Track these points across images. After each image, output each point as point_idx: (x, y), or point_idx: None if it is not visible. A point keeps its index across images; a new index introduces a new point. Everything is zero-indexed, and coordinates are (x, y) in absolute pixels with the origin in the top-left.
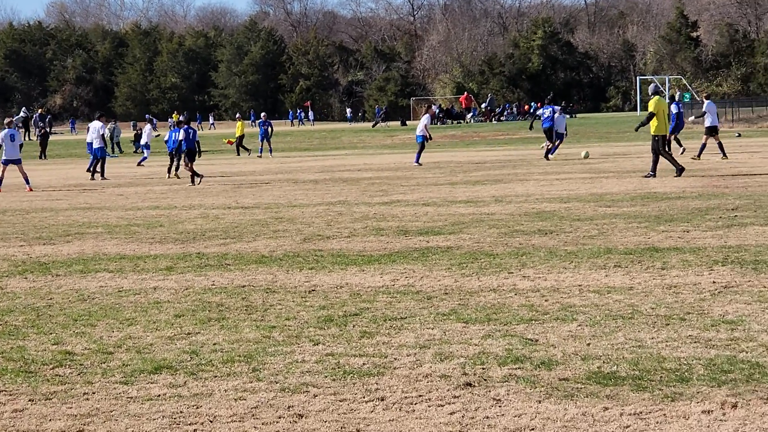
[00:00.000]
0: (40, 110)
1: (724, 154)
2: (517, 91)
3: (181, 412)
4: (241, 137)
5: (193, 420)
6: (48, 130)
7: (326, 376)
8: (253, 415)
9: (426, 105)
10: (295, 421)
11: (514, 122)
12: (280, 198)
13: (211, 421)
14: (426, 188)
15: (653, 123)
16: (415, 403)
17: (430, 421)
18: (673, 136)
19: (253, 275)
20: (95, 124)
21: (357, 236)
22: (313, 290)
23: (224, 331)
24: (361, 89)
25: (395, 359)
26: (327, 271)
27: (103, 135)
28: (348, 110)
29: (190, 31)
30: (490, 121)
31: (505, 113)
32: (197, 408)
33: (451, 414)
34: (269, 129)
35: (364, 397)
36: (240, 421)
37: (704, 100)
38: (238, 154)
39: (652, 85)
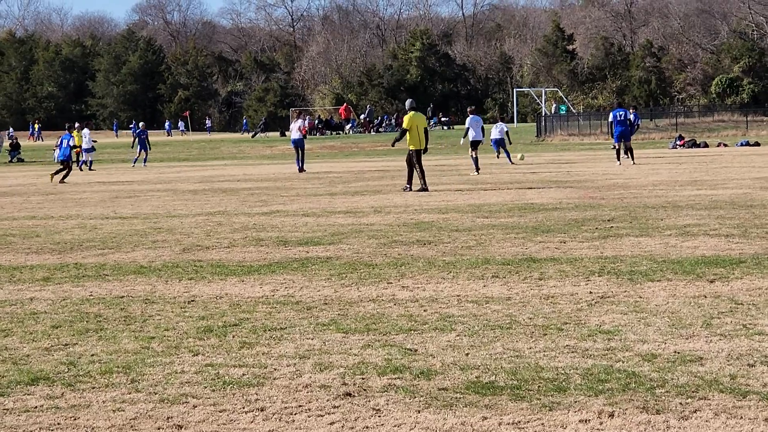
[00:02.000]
0: None
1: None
2: (395, 102)
3: (58, 423)
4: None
5: (70, 431)
6: None
7: (206, 387)
8: (132, 427)
9: (296, 112)
10: None
11: (392, 133)
12: (158, 208)
13: None
14: (305, 198)
15: (408, 138)
16: (295, 414)
17: (309, 431)
18: (620, 145)
19: (131, 286)
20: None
21: (236, 246)
22: (192, 301)
23: (102, 342)
24: (241, 100)
25: (275, 369)
26: (206, 281)
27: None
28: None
29: (66, 40)
30: (369, 132)
31: (383, 124)
32: (75, 420)
33: (331, 424)
34: (146, 139)
35: (243, 408)
36: None
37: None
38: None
39: (408, 101)
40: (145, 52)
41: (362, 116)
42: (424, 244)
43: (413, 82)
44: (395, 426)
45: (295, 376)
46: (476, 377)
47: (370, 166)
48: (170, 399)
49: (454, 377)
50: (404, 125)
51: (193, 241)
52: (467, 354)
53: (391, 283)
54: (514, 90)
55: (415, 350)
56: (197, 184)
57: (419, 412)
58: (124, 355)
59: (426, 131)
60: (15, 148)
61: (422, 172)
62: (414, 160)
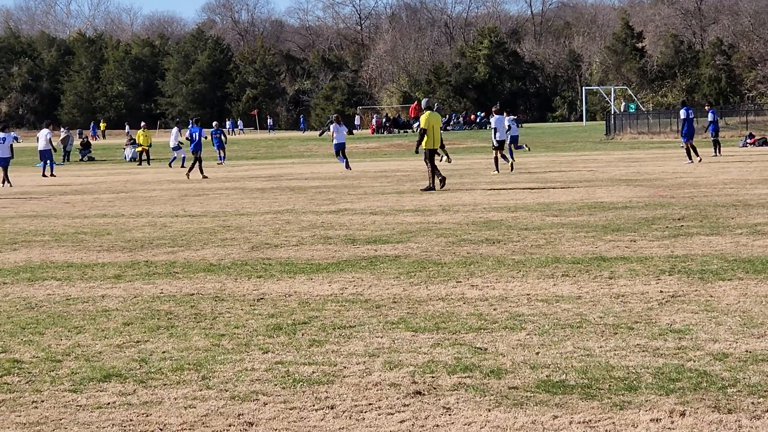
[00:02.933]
0: None
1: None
2: (463, 100)
3: (131, 420)
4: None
5: (143, 428)
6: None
7: (276, 384)
8: (203, 423)
9: (335, 115)
10: (246, 429)
11: (460, 131)
12: (227, 206)
13: (161, 429)
14: (373, 197)
15: (426, 137)
16: (365, 411)
17: (379, 429)
18: (689, 144)
19: (201, 283)
20: (43, 132)
21: (305, 245)
22: (261, 298)
23: (173, 339)
24: (308, 98)
25: (345, 367)
26: (275, 279)
27: (50, 139)
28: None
29: (136, 40)
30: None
31: (451, 123)
32: (147, 416)
33: (401, 422)
34: (222, 137)
35: (314, 405)
36: (190, 429)
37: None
38: (140, 163)
39: (425, 100)
40: (214, 51)
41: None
42: (493, 242)
43: (481, 80)
44: (465, 425)
45: (364, 374)
46: (547, 376)
47: (437, 165)
48: (241, 396)
49: (524, 376)
50: (422, 125)
51: (262, 239)
52: (537, 353)
53: (461, 281)
54: (583, 88)
55: (485, 349)
56: (265, 182)
57: (489, 410)
58: (195, 353)
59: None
60: (86, 146)
61: (432, 171)
62: (427, 158)
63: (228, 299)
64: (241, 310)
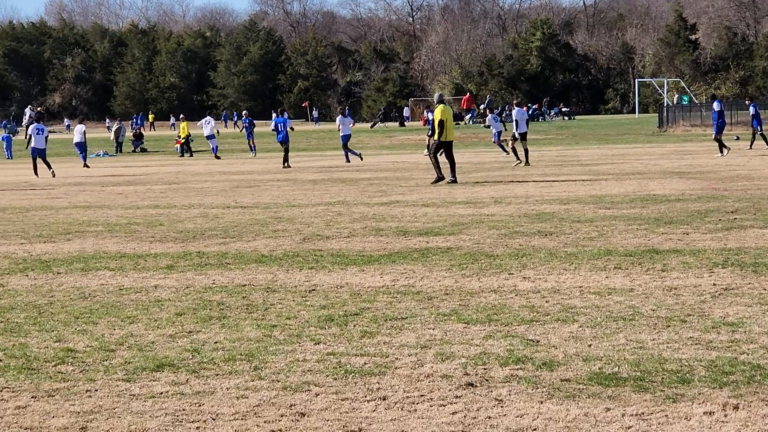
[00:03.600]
0: (38, 109)
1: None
2: (515, 92)
3: (183, 409)
4: (187, 137)
5: (195, 417)
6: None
7: (328, 375)
8: (255, 414)
9: (340, 107)
10: (298, 420)
11: (512, 123)
12: (278, 198)
13: (213, 419)
14: (425, 189)
15: (442, 129)
16: (417, 403)
17: (432, 421)
18: (716, 137)
19: (253, 274)
20: (79, 127)
21: (356, 236)
22: (313, 290)
23: (225, 330)
24: (360, 90)
25: (396, 359)
26: (327, 270)
27: (84, 132)
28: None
29: (188, 31)
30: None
31: (503, 114)
32: (199, 406)
33: (453, 414)
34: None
35: (365, 397)
36: (242, 419)
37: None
38: (182, 155)
39: (437, 95)
40: (266, 42)
41: (482, 106)
42: (546, 234)
43: (534, 72)
44: (517, 416)
45: (416, 366)
46: (599, 368)
47: (490, 157)
48: (293, 387)
49: (576, 368)
50: (439, 117)
51: (313, 230)
52: (590, 345)
53: (513, 273)
54: (636, 80)
55: (538, 341)
56: (316, 174)
57: (542, 402)
58: (247, 343)
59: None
60: (138, 137)
61: (437, 163)
62: (444, 152)
63: (279, 290)
64: (293, 301)
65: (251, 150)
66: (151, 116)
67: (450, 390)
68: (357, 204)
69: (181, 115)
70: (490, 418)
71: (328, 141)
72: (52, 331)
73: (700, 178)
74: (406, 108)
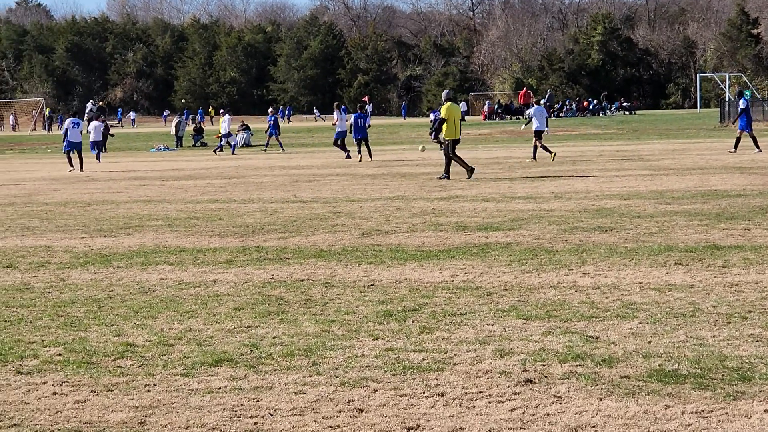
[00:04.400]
0: (100, 103)
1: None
2: (576, 87)
3: (241, 404)
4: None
5: (253, 413)
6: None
7: (386, 371)
8: (313, 409)
9: (336, 102)
10: (356, 416)
11: (573, 118)
12: (337, 192)
13: (271, 414)
14: (485, 184)
15: (445, 128)
16: (476, 399)
17: (490, 417)
18: (742, 133)
19: (311, 269)
20: (94, 124)
21: (416, 231)
22: (371, 285)
23: (284, 325)
24: (420, 84)
25: (455, 355)
26: (386, 266)
27: (103, 131)
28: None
29: (249, 26)
30: (549, 116)
31: (564, 109)
32: (258, 401)
33: (511, 410)
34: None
35: (424, 393)
36: (300, 414)
37: (534, 104)
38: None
39: (445, 92)
40: (326, 37)
41: (542, 101)
42: (606, 230)
43: (594, 67)
44: (576, 413)
45: (475, 362)
46: (659, 365)
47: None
48: (351, 382)
49: (636, 365)
50: (443, 114)
51: (372, 225)
52: (649, 342)
53: (572, 269)
54: (697, 75)
55: (597, 337)
56: (375, 168)
57: (601, 399)
58: (305, 338)
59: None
60: (198, 132)
61: (448, 161)
62: (449, 150)
63: (338, 285)
64: (352, 296)
65: (280, 146)
66: (211, 110)
67: (509, 386)
68: (416, 199)
69: (222, 110)
70: (548, 415)
71: (387, 135)
72: (112, 325)
73: (762, 173)
74: (463, 103)
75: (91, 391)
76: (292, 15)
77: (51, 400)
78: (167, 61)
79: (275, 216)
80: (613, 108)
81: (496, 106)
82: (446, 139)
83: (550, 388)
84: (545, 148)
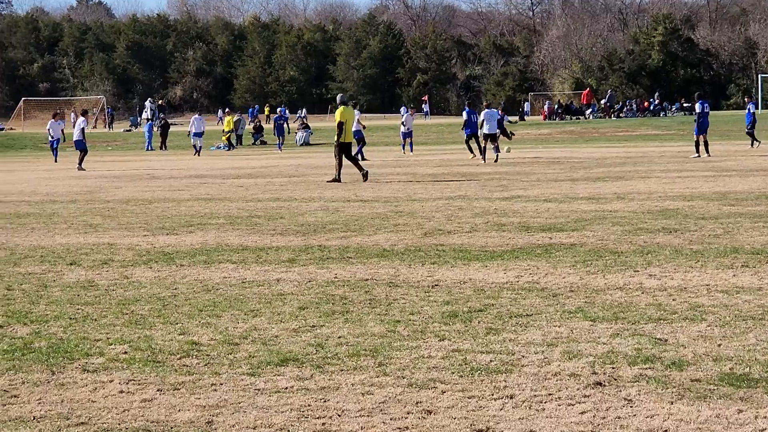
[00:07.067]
0: (160, 101)
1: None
2: (636, 87)
3: (308, 405)
4: (231, 131)
5: (320, 414)
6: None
7: (453, 372)
8: (381, 410)
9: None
10: (424, 417)
11: (633, 119)
12: (398, 192)
13: (339, 415)
14: (546, 184)
15: (344, 130)
16: (545, 402)
17: (560, 420)
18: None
19: (375, 269)
20: (80, 121)
21: (478, 231)
22: (436, 285)
23: (349, 325)
24: (479, 84)
25: (523, 356)
26: (449, 266)
27: (83, 129)
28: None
29: (308, 25)
30: (610, 117)
31: (624, 109)
32: (325, 401)
33: (581, 413)
34: (284, 124)
35: (492, 395)
36: (368, 415)
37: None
38: (229, 149)
39: (339, 95)
40: (385, 36)
41: (603, 101)
42: (670, 231)
43: (654, 67)
44: (647, 417)
45: (543, 364)
46: (730, 369)
47: (611, 152)
48: (418, 384)
49: (706, 368)
50: (338, 119)
51: (435, 225)
52: (719, 345)
53: (638, 271)
54: (759, 76)
55: (666, 340)
56: (436, 168)
57: (672, 403)
58: (371, 338)
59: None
60: (258, 130)
61: (340, 165)
62: (338, 152)
63: (402, 285)
64: (416, 296)
65: (278, 146)
66: (266, 109)
67: (578, 389)
68: (478, 199)
69: (227, 109)
70: (619, 418)
71: (447, 134)
72: (177, 323)
73: None
74: (526, 103)
75: (158, 390)
76: (352, 14)
77: (118, 398)
78: (227, 59)
79: (337, 215)
80: (673, 108)
81: (555, 106)
82: (342, 141)
83: (620, 391)
84: (483, 151)
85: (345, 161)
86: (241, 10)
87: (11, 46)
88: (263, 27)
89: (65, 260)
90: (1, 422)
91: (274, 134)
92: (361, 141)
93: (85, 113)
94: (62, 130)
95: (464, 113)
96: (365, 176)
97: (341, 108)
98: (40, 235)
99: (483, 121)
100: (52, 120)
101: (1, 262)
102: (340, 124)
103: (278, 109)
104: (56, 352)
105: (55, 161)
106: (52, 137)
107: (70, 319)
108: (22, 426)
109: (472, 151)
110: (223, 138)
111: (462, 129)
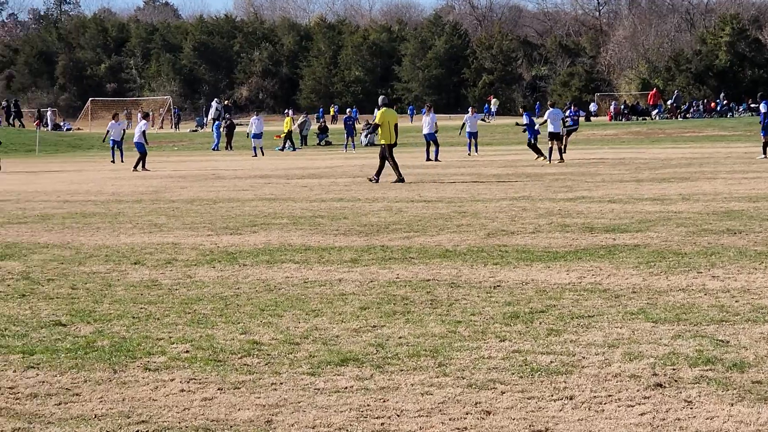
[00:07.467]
0: (226, 102)
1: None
2: (703, 88)
3: (368, 405)
4: (289, 132)
5: (380, 414)
6: (233, 121)
7: (513, 373)
8: (440, 411)
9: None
10: (483, 418)
11: (700, 119)
12: (462, 192)
13: (398, 416)
14: (611, 185)
15: (380, 133)
16: (605, 403)
17: (620, 422)
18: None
19: (437, 269)
20: (141, 123)
21: (542, 232)
22: (498, 286)
23: (410, 325)
24: (545, 84)
25: (583, 358)
26: (512, 266)
27: (144, 131)
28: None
29: (374, 25)
30: (676, 118)
31: (691, 110)
32: (384, 402)
33: (641, 415)
34: (354, 124)
35: (552, 396)
36: (427, 416)
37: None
38: (283, 149)
39: (381, 97)
40: (451, 36)
41: (669, 102)
42: (735, 233)
43: (722, 68)
44: (707, 419)
45: (604, 365)
46: None
47: (677, 153)
48: (478, 384)
49: None
50: (377, 121)
51: (498, 225)
52: None
53: (701, 272)
54: None
55: (727, 342)
56: (500, 168)
57: (732, 405)
58: (431, 339)
59: (396, 126)
60: (323, 131)
61: (395, 164)
62: (386, 154)
63: (464, 286)
64: (478, 297)
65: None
66: (332, 109)
67: (638, 390)
68: (542, 199)
69: (286, 110)
70: (679, 420)
71: (512, 135)
72: (238, 323)
73: None
74: (593, 104)
75: (218, 389)
76: (417, 14)
77: (178, 397)
78: (292, 60)
79: (400, 215)
80: (740, 109)
81: (622, 107)
82: (382, 143)
83: (681, 392)
84: (549, 152)
85: (379, 160)
86: (307, 11)
87: (79, 46)
88: (329, 27)
89: (129, 259)
90: (63, 420)
91: (345, 135)
92: (434, 143)
93: (146, 116)
94: (124, 130)
95: (524, 117)
96: (399, 180)
97: (383, 110)
98: (105, 235)
99: (548, 120)
100: (112, 121)
101: (67, 261)
102: (376, 126)
103: (348, 110)
104: (118, 351)
105: (121, 161)
106: (113, 138)
107: (133, 318)
108: (83, 424)
109: (541, 153)
110: (277, 137)
111: (524, 130)
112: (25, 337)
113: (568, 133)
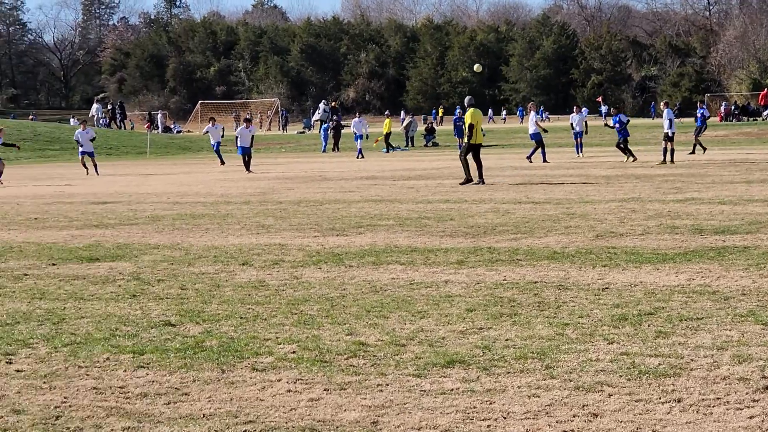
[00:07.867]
0: (333, 104)
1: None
2: None
3: (474, 407)
4: (388, 134)
5: (486, 416)
6: (341, 123)
7: (621, 376)
8: (547, 413)
9: (530, 103)
10: (590, 420)
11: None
12: (571, 193)
13: (504, 418)
14: (721, 186)
15: (475, 133)
16: (713, 406)
17: (728, 425)
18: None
19: (544, 271)
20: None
21: (651, 234)
22: (606, 288)
23: (516, 327)
24: (655, 84)
25: (692, 360)
26: (620, 268)
27: (252, 136)
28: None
29: (481, 26)
30: None
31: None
32: (490, 404)
33: (750, 418)
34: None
35: (660, 398)
36: (534, 418)
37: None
38: (387, 151)
39: (467, 98)
40: (559, 36)
41: None
42: None
43: None
44: None
45: (712, 368)
46: None
47: None
48: (585, 387)
49: None
50: (469, 121)
51: (607, 227)
52: None
53: None
54: None
55: None
56: (609, 170)
57: None
58: (539, 341)
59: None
60: (430, 132)
61: (479, 165)
62: (472, 155)
63: (572, 288)
64: (586, 299)
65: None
66: (440, 110)
67: (747, 393)
68: (651, 201)
69: (386, 112)
70: None
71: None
72: (344, 324)
73: None
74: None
75: (325, 390)
76: (525, 14)
77: (285, 397)
78: (399, 61)
79: (507, 217)
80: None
81: (732, 107)
82: (471, 143)
83: None
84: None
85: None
86: (413, 12)
87: (189, 50)
88: (436, 28)
89: (237, 260)
90: (172, 420)
91: (455, 135)
92: (539, 144)
93: (248, 121)
94: (223, 128)
95: (612, 120)
96: (467, 182)
97: (471, 110)
98: (214, 236)
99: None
100: (209, 125)
101: (176, 262)
102: (471, 126)
103: (457, 110)
104: (227, 351)
105: (222, 163)
106: (217, 141)
107: (241, 318)
108: (192, 423)
109: (632, 155)
110: (376, 141)
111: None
112: (136, 337)
113: (623, 143)
